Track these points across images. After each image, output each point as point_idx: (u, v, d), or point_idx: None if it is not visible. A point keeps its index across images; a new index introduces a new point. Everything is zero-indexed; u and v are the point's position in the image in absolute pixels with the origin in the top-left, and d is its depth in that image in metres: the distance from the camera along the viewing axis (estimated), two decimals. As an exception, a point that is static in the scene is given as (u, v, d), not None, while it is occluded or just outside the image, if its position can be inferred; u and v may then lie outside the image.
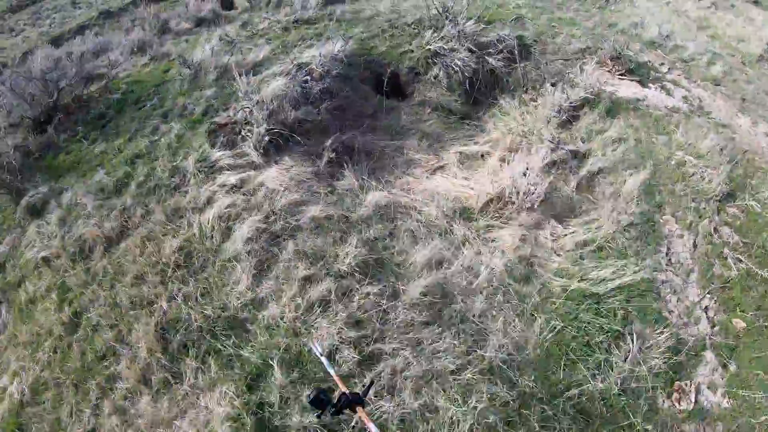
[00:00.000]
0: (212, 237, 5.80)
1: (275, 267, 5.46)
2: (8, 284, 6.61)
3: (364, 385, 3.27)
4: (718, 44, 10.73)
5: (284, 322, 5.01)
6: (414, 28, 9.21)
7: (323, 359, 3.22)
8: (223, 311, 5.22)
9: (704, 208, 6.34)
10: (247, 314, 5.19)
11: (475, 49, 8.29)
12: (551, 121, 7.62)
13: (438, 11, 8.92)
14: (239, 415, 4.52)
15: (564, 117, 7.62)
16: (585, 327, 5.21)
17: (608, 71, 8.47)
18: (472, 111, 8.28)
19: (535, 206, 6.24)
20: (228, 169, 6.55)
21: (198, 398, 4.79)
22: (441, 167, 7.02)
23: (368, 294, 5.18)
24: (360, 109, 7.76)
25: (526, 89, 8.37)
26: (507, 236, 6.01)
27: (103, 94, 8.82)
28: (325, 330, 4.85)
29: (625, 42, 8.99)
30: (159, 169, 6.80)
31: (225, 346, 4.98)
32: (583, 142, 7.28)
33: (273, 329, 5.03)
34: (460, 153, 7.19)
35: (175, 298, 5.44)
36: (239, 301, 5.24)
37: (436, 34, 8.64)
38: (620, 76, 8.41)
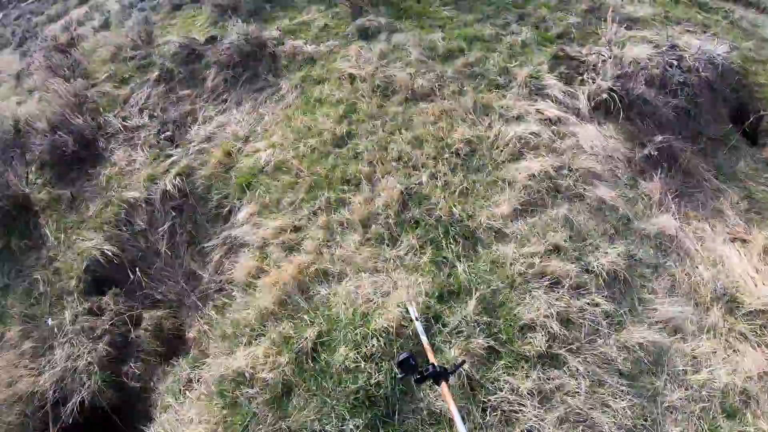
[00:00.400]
0: (502, 150, 5.40)
1: (538, 216, 4.88)
2: (310, 77, 6.93)
3: (454, 363, 3.09)
4: None
5: (510, 269, 4.45)
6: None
7: (418, 324, 3.00)
8: (468, 219, 4.84)
9: None
10: (484, 237, 4.74)
11: None
12: None
13: None
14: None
15: None
16: None
17: None
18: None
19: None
20: (552, 101, 6.04)
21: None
22: (743, 240, 5.78)
23: (596, 305, 4.32)
24: (705, 126, 6.66)
25: None
26: (751, 359, 4.68)
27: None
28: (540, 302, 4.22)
29: None
30: (491, 62, 6.50)
31: (448, 248, 4.63)
32: None
33: (497, 266, 4.50)
34: None
35: (435, 178, 5.22)
36: (487, 221, 4.81)
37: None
38: None
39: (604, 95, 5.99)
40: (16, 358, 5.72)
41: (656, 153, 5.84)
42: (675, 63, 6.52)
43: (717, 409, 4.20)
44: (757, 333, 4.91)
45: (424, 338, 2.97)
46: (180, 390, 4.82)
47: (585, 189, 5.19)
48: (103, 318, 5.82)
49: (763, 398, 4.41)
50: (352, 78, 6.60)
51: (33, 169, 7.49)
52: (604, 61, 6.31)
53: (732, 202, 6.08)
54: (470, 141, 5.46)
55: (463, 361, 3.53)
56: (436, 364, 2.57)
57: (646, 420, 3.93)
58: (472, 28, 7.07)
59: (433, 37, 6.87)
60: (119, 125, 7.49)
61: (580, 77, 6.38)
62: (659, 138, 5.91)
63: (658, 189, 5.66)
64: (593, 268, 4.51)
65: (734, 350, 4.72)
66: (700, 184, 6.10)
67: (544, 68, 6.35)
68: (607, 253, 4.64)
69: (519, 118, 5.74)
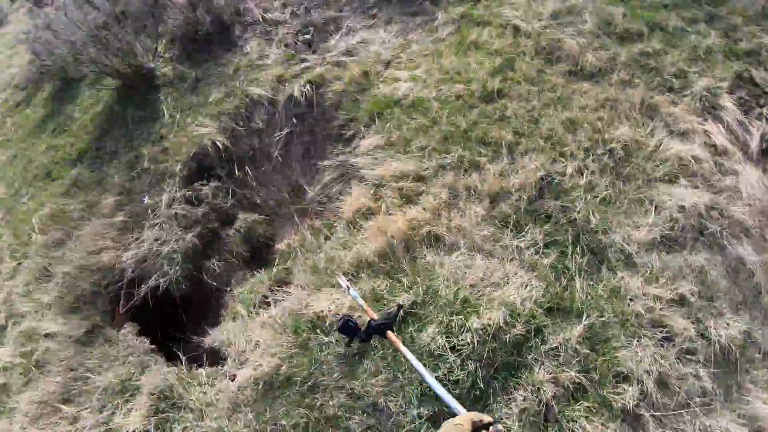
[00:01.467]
0: (658, 165, 4.71)
1: (675, 255, 4.31)
2: (470, 15, 6.30)
3: (391, 312, 3.03)
4: None
5: (628, 304, 3.95)
6: None
7: (352, 291, 2.87)
8: (603, 232, 4.29)
9: None
10: (613, 258, 4.22)
11: None
12: None
13: None
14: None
15: None
16: None
17: None
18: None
19: None
20: (724, 127, 5.19)
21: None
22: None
23: (697, 378, 3.81)
24: None
25: None
26: None
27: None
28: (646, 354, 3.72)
29: None
30: (669, 58, 5.58)
31: (572, 259, 4.15)
32: None
33: (615, 296, 4.01)
34: None
35: (581, 174, 4.60)
36: (621, 242, 4.25)
37: None
38: None
39: None
40: (105, 228, 5.73)
41: None
42: None
43: None
44: None
45: (360, 301, 2.83)
46: (255, 304, 4.72)
47: (730, 243, 4.57)
48: (198, 209, 5.74)
49: None
50: (516, 30, 5.90)
51: (163, 42, 7.31)
52: None
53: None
54: (627, 144, 4.81)
55: (400, 306, 3.47)
56: (376, 317, 2.54)
57: None
58: (657, 13, 6.20)
59: (613, 10, 6.04)
60: (259, 15, 7.13)
61: (759, 109, 5.55)
62: None
63: None
64: (710, 335, 3.98)
65: None
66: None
67: (724, 86, 5.48)
68: (728, 324, 4.08)
69: (684, 135, 4.99)
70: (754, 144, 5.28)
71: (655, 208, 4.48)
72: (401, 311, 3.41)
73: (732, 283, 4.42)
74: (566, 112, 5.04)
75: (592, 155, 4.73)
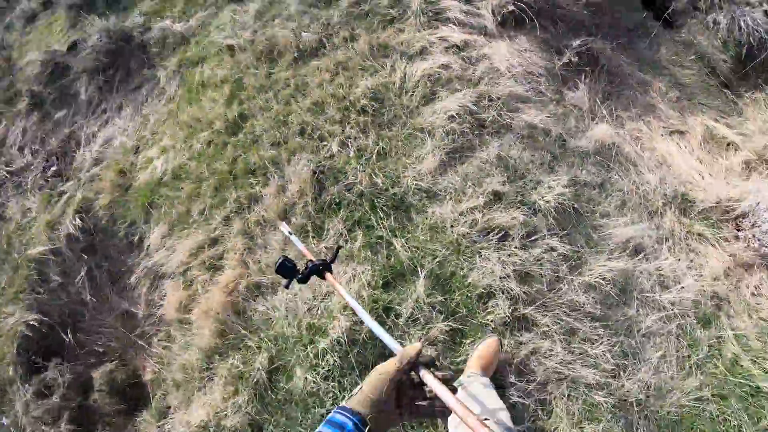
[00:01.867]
0: (412, 94, 4.65)
1: (468, 162, 4.29)
2: (187, 59, 5.97)
3: (331, 252, 2.77)
4: None
5: (452, 232, 3.86)
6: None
7: (292, 237, 2.68)
8: (393, 185, 4.16)
9: None
10: (416, 201, 4.07)
11: None
12: None
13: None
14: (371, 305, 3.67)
15: None
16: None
17: None
18: (735, 82, 6.26)
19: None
20: (455, 24, 5.19)
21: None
22: (680, 132, 5.35)
23: (552, 249, 3.80)
24: (619, 19, 6.06)
25: None
26: (714, 259, 4.44)
27: None
28: (493, 263, 3.65)
29: None
30: None
31: (379, 226, 4.01)
32: None
33: (437, 232, 3.91)
34: (706, 127, 5.45)
35: (346, 146, 4.48)
36: (414, 183, 4.15)
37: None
38: None
39: (510, 7, 5.19)
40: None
41: (576, 58, 5.19)
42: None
43: (692, 321, 3.80)
44: (714, 228, 4.50)
45: (299, 245, 2.64)
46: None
47: (512, 117, 4.48)
48: (54, 397, 5.14)
49: (733, 297, 4.01)
50: (231, 50, 5.65)
51: None
52: None
53: (661, 93, 5.52)
54: (375, 92, 4.64)
55: (340, 246, 3.58)
56: (314, 259, 2.41)
57: (626, 356, 3.52)
58: None
59: None
60: (3, 173, 6.51)
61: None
62: (577, 42, 5.24)
63: (586, 97, 5.04)
64: (540, 207, 3.91)
65: (696, 253, 4.31)
66: (626, 81, 5.50)
67: None
68: (551, 187, 4.03)
69: (423, 53, 4.90)
70: (489, 22, 5.29)
71: (428, 133, 4.36)
72: (339, 252, 3.05)
73: (535, 149, 4.39)
74: (308, 99, 4.81)
75: (348, 122, 4.54)
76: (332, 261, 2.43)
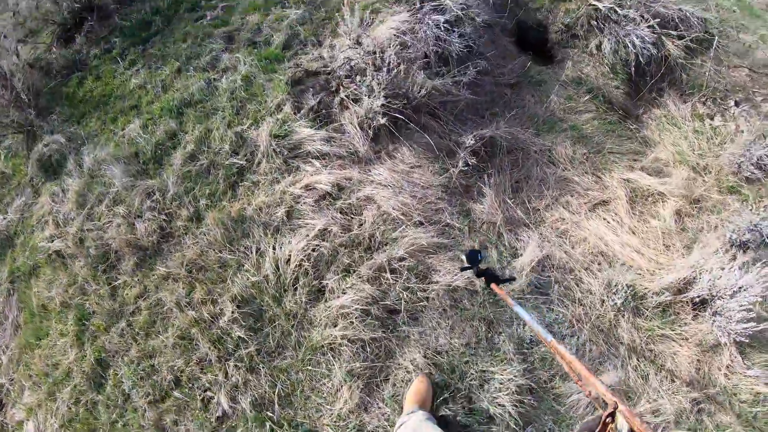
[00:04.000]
0: (294, 292, 3.44)
1: (393, 375, 3.14)
2: (19, 270, 4.49)
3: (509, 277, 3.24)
4: None
5: None
6: (571, -37, 6.16)
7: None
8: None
9: None
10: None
11: (655, 23, 5.40)
12: (740, 167, 4.98)
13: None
14: None
15: (752, 169, 4.97)
16: None
17: None
18: (632, 106, 5.44)
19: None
20: (318, 158, 4.03)
21: None
22: (603, 203, 4.49)
23: None
24: (501, 77, 5.07)
25: (704, 98, 5.55)
26: (683, 358, 3.64)
27: (152, -10, 6.15)
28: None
29: None
30: (216, 136, 4.24)
31: None
32: None
33: None
34: (628, 182, 4.63)
35: (237, 399, 3.25)
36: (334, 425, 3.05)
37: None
38: None
39: (380, 119, 4.05)
40: None
41: (473, 159, 4.17)
42: (441, 20, 4.69)
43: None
44: (673, 320, 3.77)
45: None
46: None
47: (425, 288, 3.44)
48: None
49: (710, 390, 3.53)
50: (61, 257, 4.30)
51: None
52: (361, 72, 4.35)
53: (567, 157, 4.63)
54: (248, 303, 3.43)
55: (514, 278, 3.47)
56: (493, 270, 2.74)
57: None
58: (176, 89, 4.79)
59: (130, 131, 4.53)
60: None
61: (335, 96, 4.44)
62: (469, 137, 4.19)
63: (495, 203, 4.09)
64: (495, 414, 3.00)
65: (663, 359, 3.60)
66: (529, 154, 4.51)
67: (288, 110, 4.29)
68: (501, 383, 3.08)
69: (291, 217, 3.71)
70: (360, 143, 4.11)
71: (332, 352, 3.26)
72: (511, 282, 3.41)
73: (462, 325, 3.40)
74: (169, 330, 3.52)
75: (228, 360, 3.35)
76: (504, 281, 2.71)
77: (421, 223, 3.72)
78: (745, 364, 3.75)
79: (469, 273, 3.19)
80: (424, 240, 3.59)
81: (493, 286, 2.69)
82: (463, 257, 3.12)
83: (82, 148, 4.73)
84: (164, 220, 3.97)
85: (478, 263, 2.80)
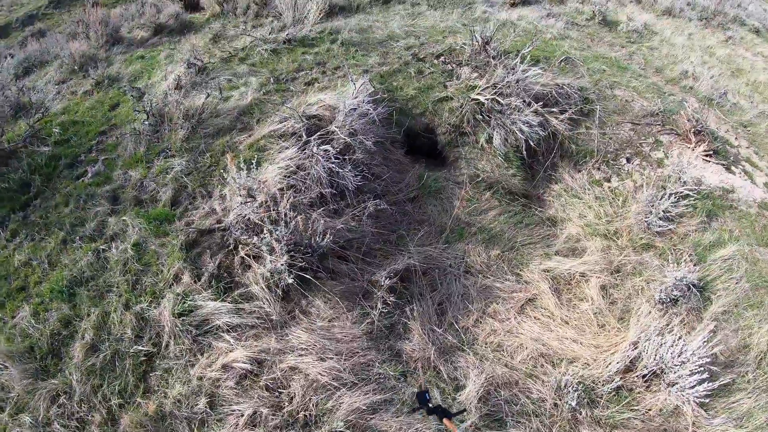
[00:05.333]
0: None
1: None
2: None
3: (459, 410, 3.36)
4: (758, 97, 8.60)
5: None
6: (445, 62, 6.42)
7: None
8: None
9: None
10: None
11: (539, 107, 5.67)
12: (649, 224, 5.33)
13: (476, 41, 6.21)
14: None
15: (660, 223, 5.35)
16: None
17: (690, 148, 6.05)
18: (531, 189, 5.62)
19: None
20: (228, 331, 3.72)
21: None
22: (530, 301, 4.58)
23: None
24: (399, 194, 5.08)
25: (597, 163, 5.93)
26: None
27: (30, 145, 5.75)
28: None
29: (701, 109, 6.58)
30: (115, 319, 3.85)
31: None
32: (695, 266, 4.97)
33: None
34: (548, 272, 4.77)
35: None
36: None
37: (481, 78, 5.93)
38: (705, 157, 5.92)
39: (288, 279, 3.85)
40: None
41: (392, 297, 4.11)
42: (330, 151, 4.66)
43: None
44: (628, 401, 3.87)
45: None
46: None
47: None
48: None
49: None
50: None
51: None
52: (249, 220, 4.21)
53: (484, 263, 4.69)
54: None
55: (465, 410, 3.51)
56: (443, 407, 2.83)
57: None
58: (63, 266, 4.30)
59: (21, 320, 4.04)
60: None
61: (235, 255, 4.23)
62: (382, 278, 4.14)
63: (424, 338, 4.00)
64: None
65: None
66: (444, 270, 4.58)
67: (187, 280, 4.02)
68: None
69: (214, 406, 3.37)
70: (270, 305, 3.89)
71: None
72: (462, 414, 3.47)
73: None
74: None
75: None
76: (454, 415, 2.79)
77: (354, 384, 3.51)
78: (708, 415, 3.85)
79: (420, 413, 3.32)
80: (361, 403, 3.40)
81: (445, 421, 2.74)
82: (415, 398, 3.25)
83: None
84: (76, 427, 3.57)
85: (428, 402, 2.86)
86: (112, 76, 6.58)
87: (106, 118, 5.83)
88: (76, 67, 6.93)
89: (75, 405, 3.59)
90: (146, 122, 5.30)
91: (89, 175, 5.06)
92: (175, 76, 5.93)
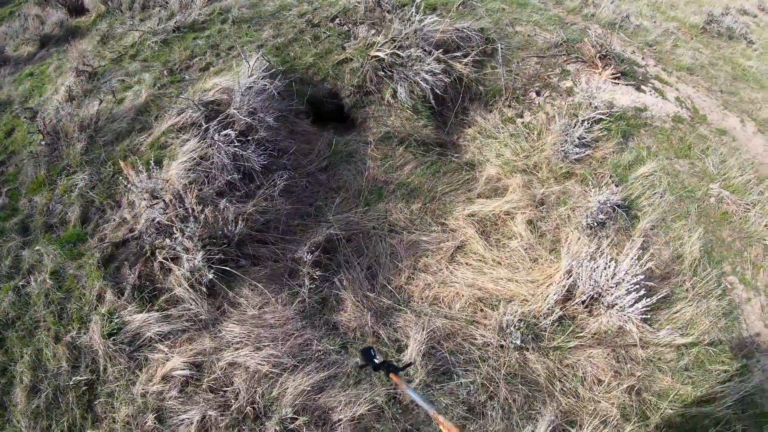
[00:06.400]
0: None
1: None
2: None
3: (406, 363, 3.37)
4: (660, 16, 8.66)
5: None
6: (341, 24, 6.22)
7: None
8: None
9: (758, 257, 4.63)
10: None
11: (440, 55, 5.53)
12: (566, 153, 5.35)
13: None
14: None
15: (577, 150, 5.37)
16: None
17: (597, 73, 6.09)
18: (444, 135, 5.56)
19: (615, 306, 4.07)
20: (162, 340, 3.62)
21: None
22: (460, 248, 4.58)
23: None
24: (310, 165, 4.99)
25: (507, 101, 5.89)
26: (599, 357, 3.86)
27: None
28: None
29: (605, 34, 6.56)
30: (49, 355, 3.72)
31: None
32: (617, 186, 5.07)
33: None
34: (473, 217, 4.76)
35: None
36: None
37: (379, 34, 5.77)
38: (614, 80, 5.99)
39: (209, 275, 3.72)
40: None
41: (318, 271, 4.03)
42: (231, 135, 4.48)
43: None
44: (575, 326, 3.95)
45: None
46: None
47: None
48: None
49: None
50: None
51: None
52: (159, 222, 4.04)
53: (407, 219, 4.63)
54: None
55: (411, 363, 3.56)
56: (389, 362, 2.78)
57: None
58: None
59: None
60: None
61: (153, 260, 4.07)
62: (305, 254, 3.98)
63: (360, 310, 3.97)
64: None
65: (591, 374, 3.73)
66: (368, 233, 4.47)
67: (110, 297, 3.77)
68: None
69: (163, 420, 3.32)
70: (198, 305, 3.85)
71: None
72: (409, 367, 3.51)
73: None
74: None
75: None
76: (401, 369, 2.70)
77: (296, 366, 3.50)
78: (653, 329, 4.01)
79: (367, 369, 3.27)
80: (305, 384, 3.40)
81: (392, 375, 2.71)
82: (360, 354, 3.18)
83: None
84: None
85: (373, 358, 2.80)
86: (3, 101, 6.18)
87: (3, 146, 5.50)
88: (-38, 96, 6.49)
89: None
90: (42, 142, 5.01)
91: (-6, 209, 4.79)
92: (66, 87, 5.60)
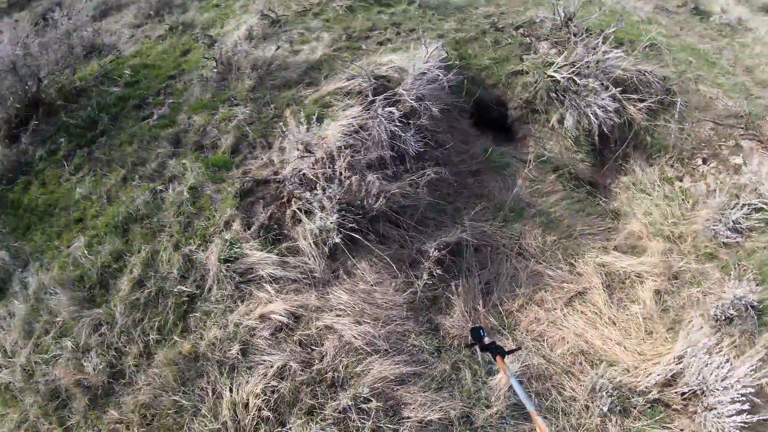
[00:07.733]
0: None
1: None
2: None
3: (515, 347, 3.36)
4: None
5: None
6: (524, 35, 6.10)
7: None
8: None
9: None
10: None
11: (617, 93, 5.22)
12: (716, 233, 4.87)
13: (558, 15, 5.83)
14: None
15: (728, 233, 4.86)
16: None
17: None
18: (599, 177, 5.26)
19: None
20: (270, 283, 3.68)
21: None
22: (580, 294, 4.31)
23: None
24: (462, 165, 4.88)
25: (671, 159, 5.47)
26: None
27: (100, 85, 5.89)
28: None
29: None
30: (164, 258, 3.91)
31: None
32: (758, 286, 4.51)
33: None
34: (603, 267, 4.47)
35: None
36: None
37: (560, 55, 5.56)
38: None
39: (337, 238, 3.75)
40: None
41: (438, 269, 3.98)
42: (395, 114, 4.48)
43: None
44: (662, 417, 3.51)
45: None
46: None
47: (396, 426, 3.08)
48: None
49: None
50: (10, 391, 3.86)
51: None
52: (304, 175, 4.12)
53: (538, 247, 4.44)
54: None
55: (519, 347, 3.58)
56: (498, 343, 2.77)
57: None
58: (120, 202, 4.43)
59: (75, 250, 4.19)
60: None
61: (287, 208, 4.19)
62: (432, 249, 3.96)
63: (466, 312, 3.88)
64: None
65: None
66: (497, 249, 4.32)
67: (237, 227, 4.02)
68: None
69: (247, 354, 3.35)
70: (315, 263, 3.76)
71: None
72: (517, 351, 3.48)
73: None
74: None
75: None
76: (509, 353, 2.69)
77: (387, 352, 3.41)
78: None
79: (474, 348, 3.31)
80: (390, 372, 3.30)
81: (498, 359, 2.69)
82: (470, 334, 3.21)
83: (27, 265, 4.38)
84: (113, 356, 3.64)
85: (482, 339, 2.83)
86: (186, 23, 6.58)
87: (177, 63, 5.85)
88: (151, 12, 6.99)
89: (115, 336, 3.64)
90: (214, 69, 5.27)
91: (155, 117, 5.09)
92: (248, 26, 5.87)
